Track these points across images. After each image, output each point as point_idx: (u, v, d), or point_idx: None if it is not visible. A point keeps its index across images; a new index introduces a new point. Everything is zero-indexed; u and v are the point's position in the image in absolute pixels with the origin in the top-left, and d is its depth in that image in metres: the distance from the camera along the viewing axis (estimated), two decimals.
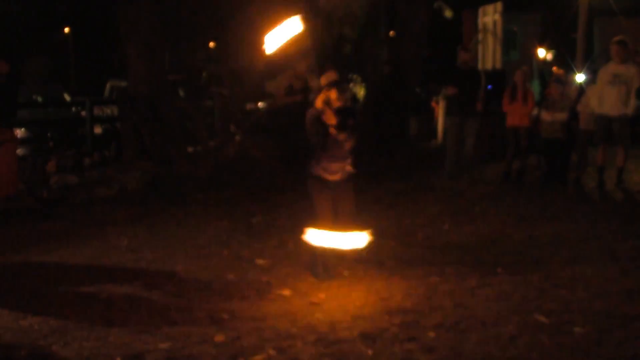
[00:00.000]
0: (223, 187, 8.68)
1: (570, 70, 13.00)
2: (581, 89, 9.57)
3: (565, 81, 9.62)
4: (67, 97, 16.51)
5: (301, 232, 4.59)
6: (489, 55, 13.17)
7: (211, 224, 6.62)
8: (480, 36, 13.34)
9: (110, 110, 12.89)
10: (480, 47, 13.35)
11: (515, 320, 4.05)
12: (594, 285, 4.71)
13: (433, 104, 13.96)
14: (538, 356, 3.60)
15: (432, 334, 3.87)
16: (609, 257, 5.36)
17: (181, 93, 12.15)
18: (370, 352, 3.67)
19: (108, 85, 15.72)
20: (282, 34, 4.64)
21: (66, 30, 30.74)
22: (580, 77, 11.09)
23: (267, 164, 10.26)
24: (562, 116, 8.48)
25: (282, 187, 8.47)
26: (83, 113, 11.57)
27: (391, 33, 13.75)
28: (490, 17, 13.18)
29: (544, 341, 3.77)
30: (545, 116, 8.58)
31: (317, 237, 4.57)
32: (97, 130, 11.51)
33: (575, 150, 8.72)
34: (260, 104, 15.84)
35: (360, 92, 13.08)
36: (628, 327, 3.94)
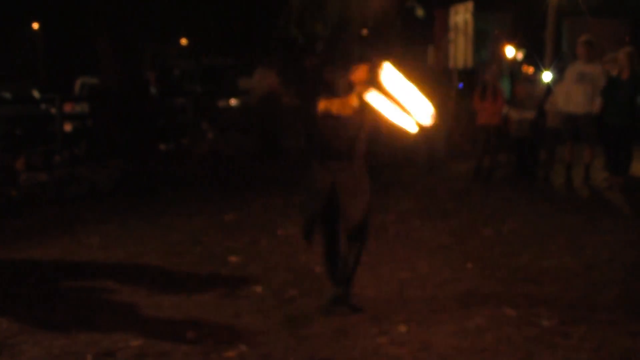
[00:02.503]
0: (195, 184, 8.66)
1: (538, 69, 13.20)
2: (548, 87, 9.73)
3: (533, 80, 9.77)
4: (36, 94, 16.23)
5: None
6: (460, 54, 13.31)
7: (183, 222, 6.60)
8: (451, 35, 13.47)
9: (80, 107, 12.74)
10: (451, 46, 13.47)
11: (484, 313, 4.13)
12: (560, 279, 4.83)
13: None
14: (506, 348, 3.67)
15: (403, 328, 3.92)
16: (575, 251, 5.48)
17: (153, 90, 12.07)
18: (342, 346, 3.71)
19: (78, 82, 15.54)
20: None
21: (35, 25, 30.21)
22: (547, 76, 11.26)
23: (239, 161, 10.26)
24: (529, 115, 8.63)
25: (255, 184, 8.48)
26: (53, 110, 11.41)
27: (364, 31, 13.80)
28: (461, 16, 13.32)
29: (512, 334, 3.85)
30: (513, 115, 8.73)
31: None
32: (67, 127, 11.36)
33: (543, 148, 8.88)
34: (232, 101, 15.76)
35: None
36: (592, 319, 4.04)
